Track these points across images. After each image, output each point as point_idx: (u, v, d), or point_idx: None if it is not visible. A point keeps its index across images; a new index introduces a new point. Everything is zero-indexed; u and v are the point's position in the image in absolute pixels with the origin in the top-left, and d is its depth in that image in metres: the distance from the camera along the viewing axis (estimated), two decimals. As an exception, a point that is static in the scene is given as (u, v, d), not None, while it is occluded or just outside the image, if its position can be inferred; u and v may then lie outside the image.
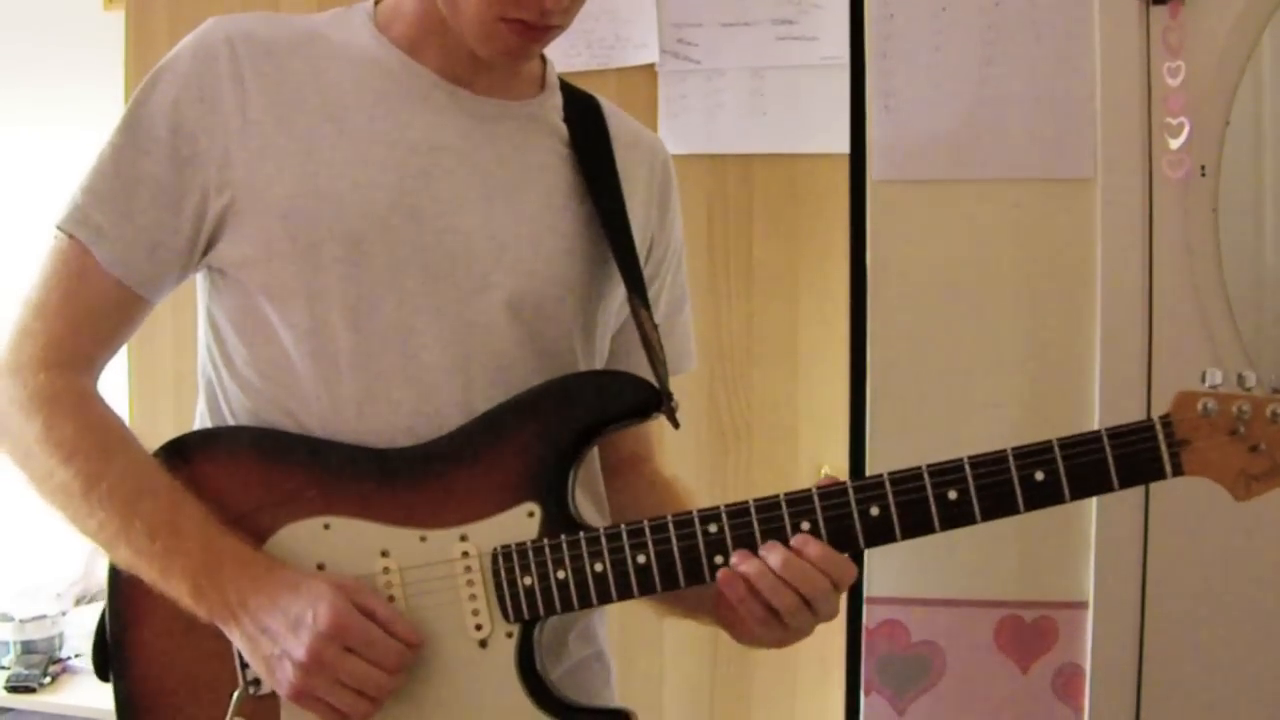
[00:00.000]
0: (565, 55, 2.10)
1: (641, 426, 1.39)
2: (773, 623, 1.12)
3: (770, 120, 2.06)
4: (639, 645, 2.14)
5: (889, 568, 1.73)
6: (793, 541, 1.10)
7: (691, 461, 2.11)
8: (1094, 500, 1.67)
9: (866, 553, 1.73)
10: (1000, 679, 1.72)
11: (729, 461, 2.12)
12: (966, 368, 1.70)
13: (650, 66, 2.10)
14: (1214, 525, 1.66)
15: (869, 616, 1.74)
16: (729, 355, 2.11)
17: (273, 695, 1.14)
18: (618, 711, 1.19)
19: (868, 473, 1.68)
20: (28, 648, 2.50)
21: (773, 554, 1.09)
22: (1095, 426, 1.63)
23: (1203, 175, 1.62)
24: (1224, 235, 1.63)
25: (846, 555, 1.11)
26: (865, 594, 1.73)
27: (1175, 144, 1.62)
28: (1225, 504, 1.64)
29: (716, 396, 2.11)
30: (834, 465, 2.05)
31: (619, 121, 1.35)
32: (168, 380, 2.36)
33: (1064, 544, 1.69)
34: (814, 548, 1.10)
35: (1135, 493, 1.66)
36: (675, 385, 1.41)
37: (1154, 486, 1.65)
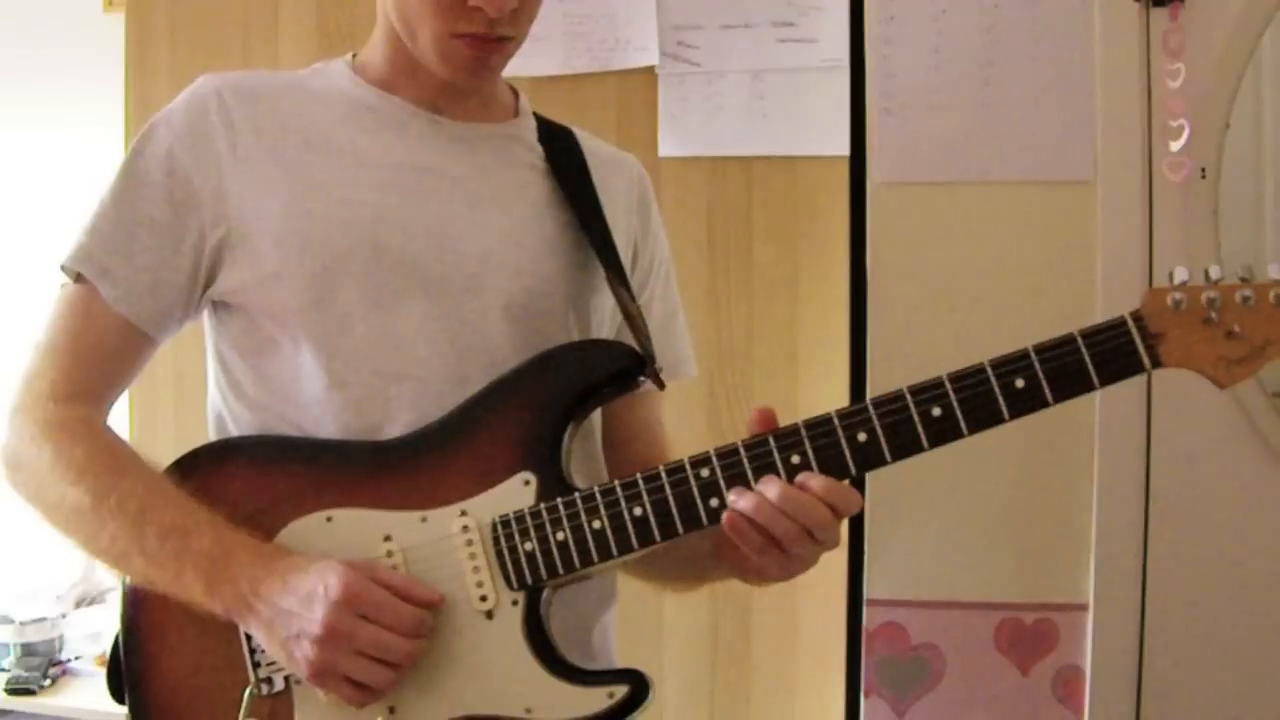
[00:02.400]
0: (566, 58, 2.10)
1: (640, 411, 1.40)
2: (773, 551, 1.12)
3: (770, 123, 2.06)
4: (639, 645, 2.14)
5: (889, 570, 1.73)
6: (797, 480, 1.11)
7: (691, 463, 2.11)
8: (1093, 501, 1.67)
9: (866, 556, 1.73)
10: (1000, 681, 1.72)
11: (729, 463, 2.12)
12: (966, 370, 1.70)
13: (650, 69, 2.10)
14: (1213, 527, 1.66)
15: (869, 619, 1.74)
16: (729, 358, 2.11)
17: (284, 694, 1.15)
18: (628, 670, 1.18)
19: (868, 476, 1.69)
20: (28, 650, 2.50)
21: (770, 487, 1.10)
22: (1094, 430, 1.65)
23: (1203, 177, 1.63)
24: (1224, 237, 1.64)
25: (847, 483, 1.12)
26: (865, 596, 1.74)
27: (1175, 146, 1.63)
28: (1225, 506, 1.65)
29: (717, 399, 2.11)
30: (834, 467, 2.05)
31: (593, 144, 1.40)
32: (168, 381, 2.36)
33: (1064, 546, 1.69)
34: (816, 481, 1.10)
35: (1135, 494, 1.66)
36: (675, 389, 1.42)
37: (1153, 488, 1.66)
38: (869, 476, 1.70)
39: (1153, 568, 1.67)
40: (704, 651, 2.14)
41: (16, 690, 2.42)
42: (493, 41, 1.22)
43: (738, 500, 1.11)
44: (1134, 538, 1.66)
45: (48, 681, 2.46)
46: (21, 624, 2.51)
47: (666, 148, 2.08)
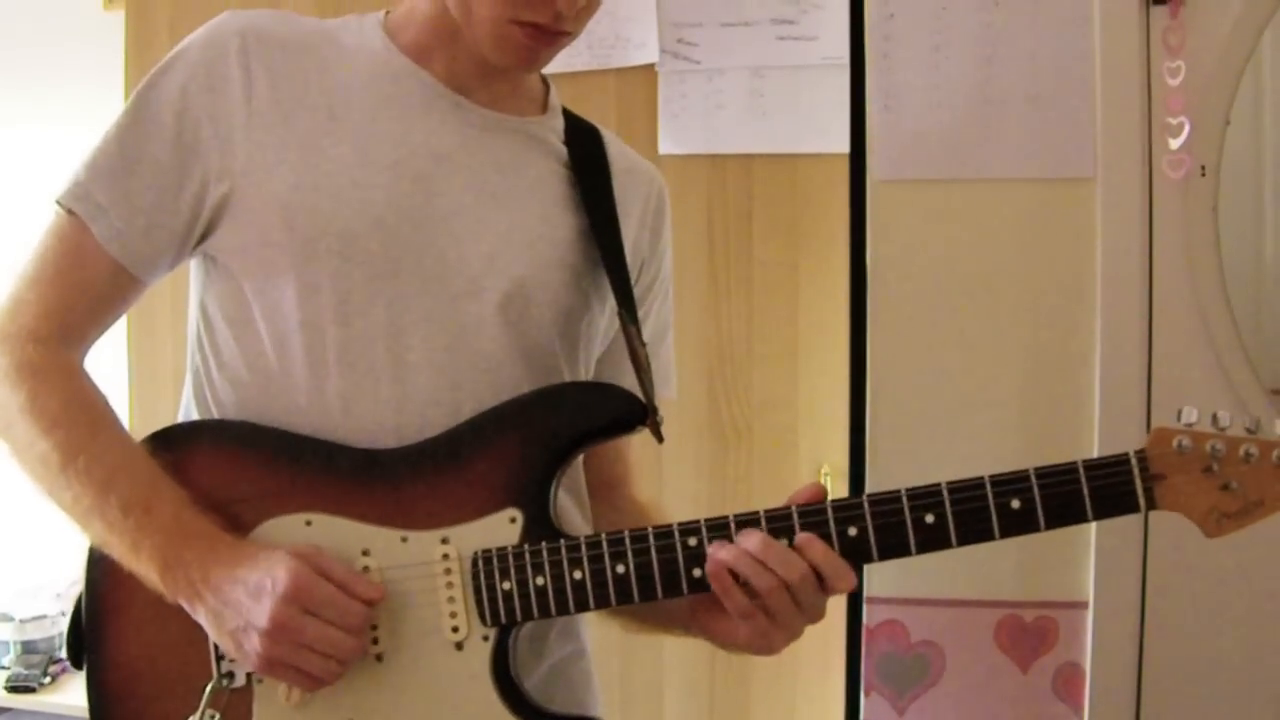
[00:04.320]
0: (566, 56, 2.07)
1: (621, 451, 1.40)
2: (757, 616, 1.12)
3: (770, 120, 2.07)
4: (639, 645, 2.14)
5: (889, 568, 1.72)
6: (796, 540, 1.11)
7: (691, 461, 2.11)
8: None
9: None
10: (1000, 679, 1.72)
11: (729, 461, 2.12)
12: (966, 367, 1.70)
13: (650, 66, 2.10)
14: (1214, 525, 1.66)
15: (869, 616, 1.74)
16: (729, 355, 2.11)
17: (245, 689, 1.15)
18: (587, 718, 1.21)
19: (867, 471, 1.69)
20: (28, 648, 2.51)
21: (750, 539, 1.10)
22: (1095, 427, 1.65)
23: (1202, 175, 1.63)
24: (1224, 235, 1.63)
25: (847, 563, 1.12)
26: (865, 594, 1.74)
27: (1175, 144, 1.62)
28: (1225, 504, 1.65)
29: (717, 396, 2.11)
30: (834, 464, 2.05)
31: (618, 149, 1.37)
32: (167, 377, 2.36)
33: (1064, 544, 1.69)
34: (815, 546, 1.11)
35: (1135, 492, 1.66)
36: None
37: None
38: (869, 462, 1.71)
39: (1153, 565, 1.66)
40: (704, 648, 2.13)
41: (17, 688, 2.43)
42: (551, 34, 1.19)
43: (717, 551, 1.11)
44: (1134, 535, 1.66)
45: (48, 679, 2.47)
46: (21, 621, 2.51)
47: (666, 145, 2.08)
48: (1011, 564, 1.72)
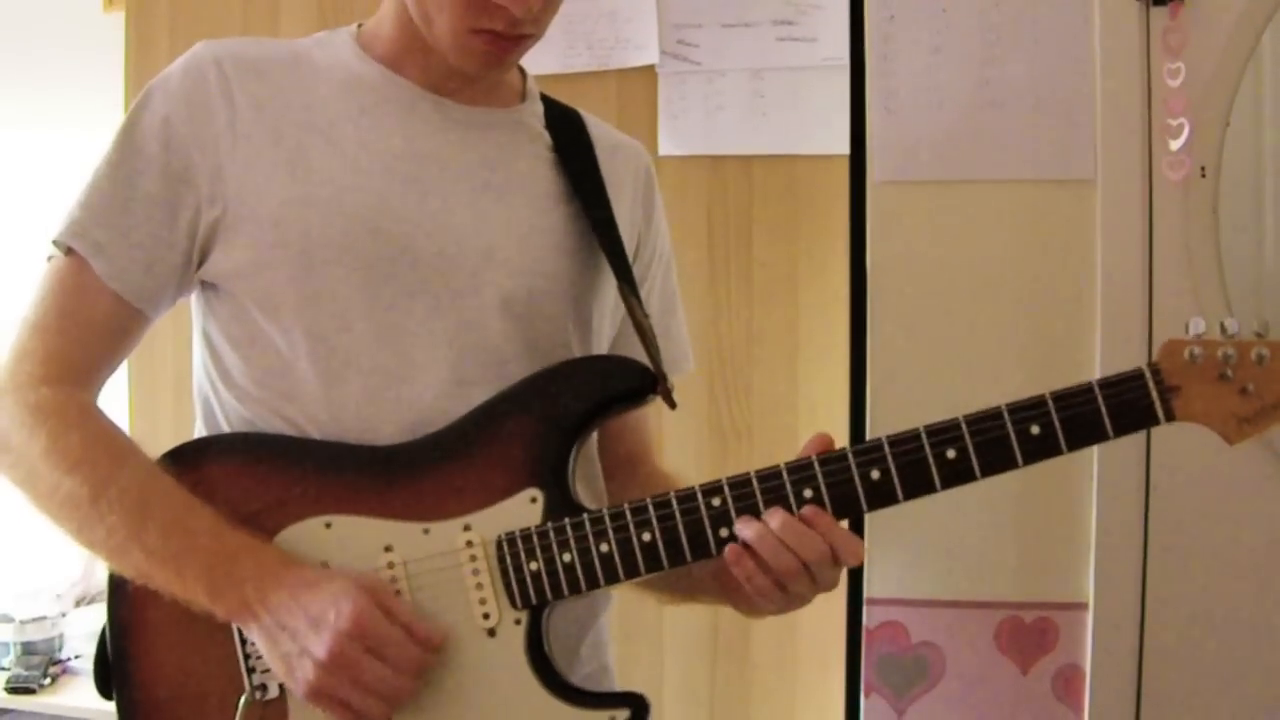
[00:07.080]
0: (565, 56, 2.10)
1: (639, 425, 1.40)
2: (775, 592, 1.13)
3: (770, 121, 2.06)
4: (639, 645, 2.14)
5: (889, 569, 1.73)
6: (801, 513, 1.11)
7: (691, 463, 2.11)
8: (1093, 500, 1.67)
9: (867, 555, 1.73)
10: (1000, 680, 1.72)
11: (729, 463, 2.12)
12: (967, 369, 1.70)
13: (650, 68, 2.10)
14: (1214, 526, 1.66)
15: (869, 617, 1.74)
16: (729, 357, 2.11)
17: (279, 700, 1.14)
18: (630, 694, 1.19)
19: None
20: (28, 649, 2.51)
21: (774, 518, 1.11)
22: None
23: (1203, 176, 1.63)
24: (1224, 236, 1.64)
25: (854, 534, 1.13)
26: (865, 595, 1.74)
27: (1175, 145, 1.62)
28: (1225, 504, 1.65)
29: (716, 398, 2.11)
30: (834, 466, 2.05)
31: (600, 129, 1.38)
32: (168, 382, 2.36)
33: (1064, 545, 1.69)
34: (822, 518, 1.11)
35: (1135, 492, 1.66)
36: (676, 385, 1.41)
37: (1153, 486, 1.66)
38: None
39: (1153, 566, 1.66)
40: (704, 649, 2.14)
41: (17, 689, 2.43)
42: (512, 39, 1.19)
43: (743, 529, 1.11)
44: (1134, 536, 1.66)
45: (48, 680, 2.46)
46: (21, 623, 2.51)
47: (666, 146, 2.08)
48: (1011, 565, 1.72)
